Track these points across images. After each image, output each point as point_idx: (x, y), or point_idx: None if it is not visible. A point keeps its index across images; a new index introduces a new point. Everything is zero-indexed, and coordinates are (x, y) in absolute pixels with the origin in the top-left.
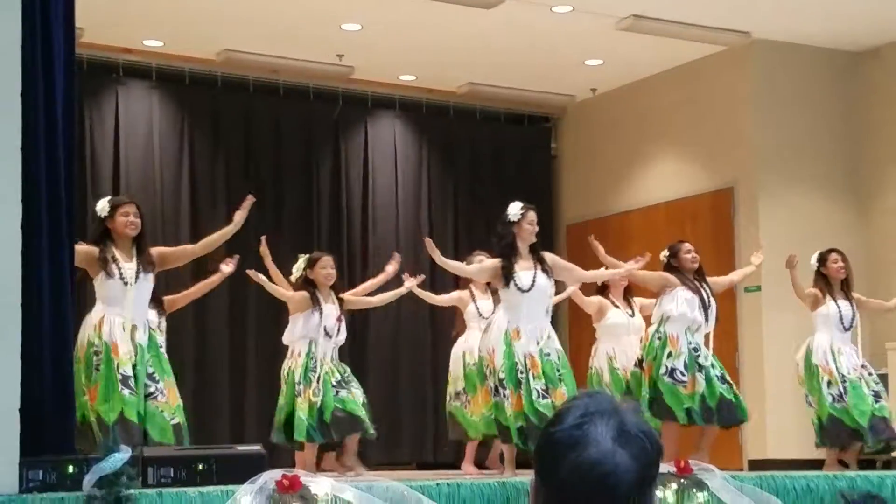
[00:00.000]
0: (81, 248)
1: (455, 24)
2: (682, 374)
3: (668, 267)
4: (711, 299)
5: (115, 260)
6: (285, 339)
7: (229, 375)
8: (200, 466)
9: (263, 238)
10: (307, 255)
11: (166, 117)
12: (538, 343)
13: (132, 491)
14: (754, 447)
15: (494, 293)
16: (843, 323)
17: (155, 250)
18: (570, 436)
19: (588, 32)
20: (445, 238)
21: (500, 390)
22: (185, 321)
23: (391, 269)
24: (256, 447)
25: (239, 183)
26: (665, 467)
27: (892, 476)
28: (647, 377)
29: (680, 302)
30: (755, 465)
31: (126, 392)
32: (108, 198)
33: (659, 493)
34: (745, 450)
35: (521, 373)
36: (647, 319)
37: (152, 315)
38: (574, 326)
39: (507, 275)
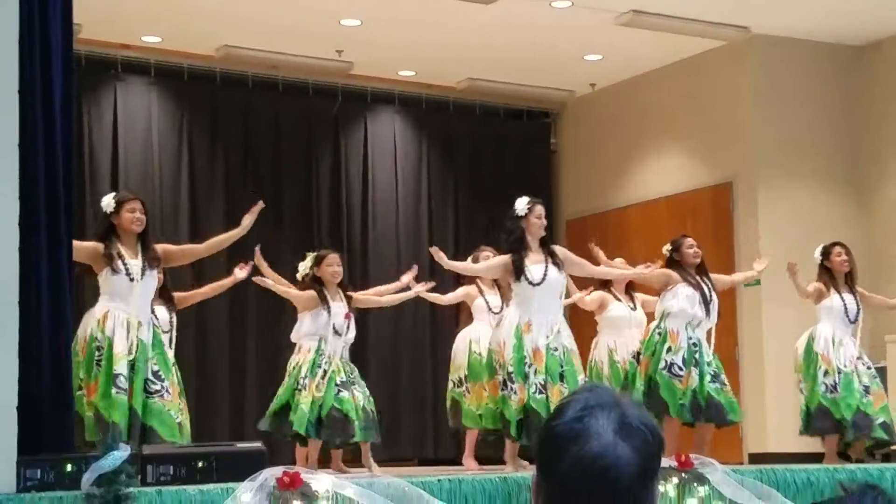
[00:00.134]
0: (85, 243)
1: (454, 20)
2: (680, 369)
3: (670, 261)
4: (713, 295)
5: (120, 256)
6: (293, 336)
7: (229, 375)
8: (200, 464)
9: (258, 248)
10: (314, 253)
11: (165, 114)
12: (548, 337)
13: (131, 489)
14: (755, 441)
15: (501, 289)
16: (848, 316)
17: (159, 247)
18: (570, 429)
19: (587, 27)
20: (446, 233)
21: (509, 384)
22: (186, 321)
23: (406, 279)
24: (257, 444)
25: (238, 179)
26: (666, 462)
27: (892, 468)
28: (642, 372)
29: (681, 298)
30: (755, 458)
31: (114, 391)
32: (113, 194)
33: (660, 488)
34: (746, 444)
35: (529, 366)
36: (650, 316)
37: (163, 311)
38: (575, 319)
39: (517, 269)
